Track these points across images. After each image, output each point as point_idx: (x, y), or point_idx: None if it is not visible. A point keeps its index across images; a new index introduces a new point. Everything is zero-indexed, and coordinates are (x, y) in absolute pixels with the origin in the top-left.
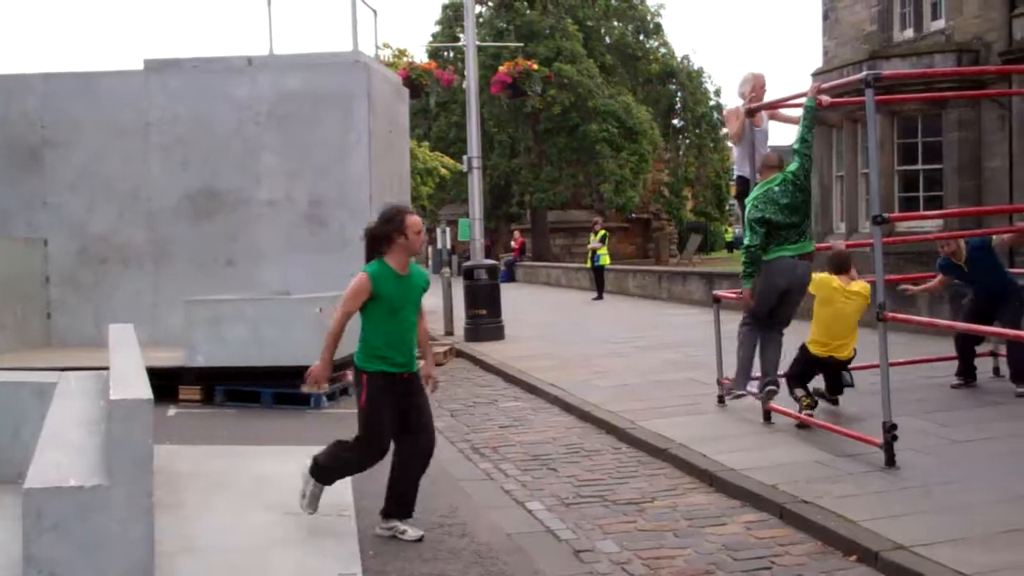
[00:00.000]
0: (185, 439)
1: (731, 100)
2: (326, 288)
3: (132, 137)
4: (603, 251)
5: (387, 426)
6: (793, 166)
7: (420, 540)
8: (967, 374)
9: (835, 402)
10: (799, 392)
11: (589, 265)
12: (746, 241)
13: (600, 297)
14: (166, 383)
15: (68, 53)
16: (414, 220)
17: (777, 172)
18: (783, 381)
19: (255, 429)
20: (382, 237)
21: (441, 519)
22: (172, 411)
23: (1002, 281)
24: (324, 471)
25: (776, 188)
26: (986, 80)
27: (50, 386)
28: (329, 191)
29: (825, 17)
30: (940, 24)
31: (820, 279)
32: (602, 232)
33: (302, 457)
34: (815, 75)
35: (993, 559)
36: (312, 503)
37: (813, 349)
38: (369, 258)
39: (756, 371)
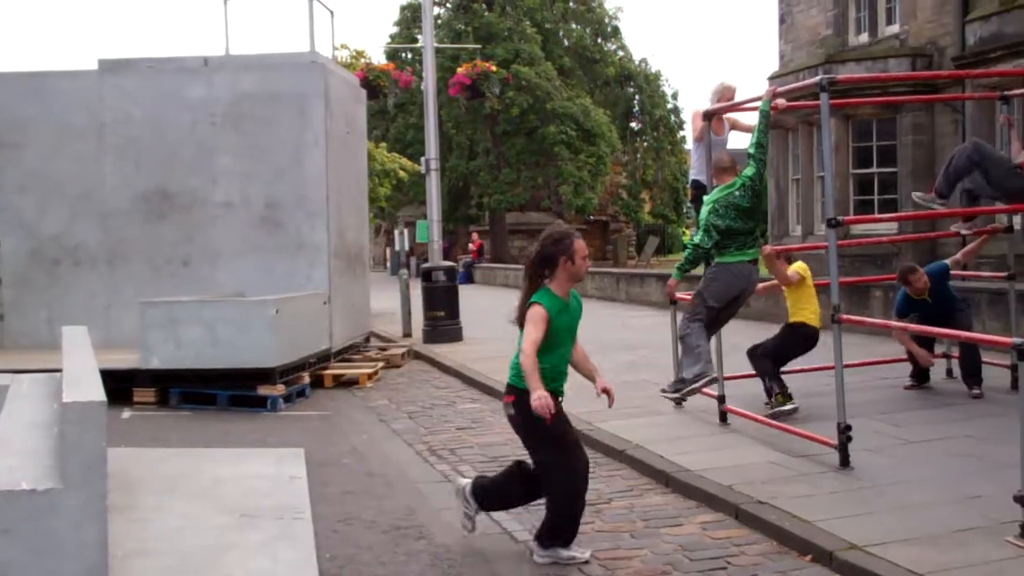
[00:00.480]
0: (140, 442)
1: (689, 103)
2: (282, 290)
3: (85, 138)
4: None
5: (576, 435)
6: (749, 171)
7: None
8: (920, 376)
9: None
10: (776, 387)
11: None
12: (696, 240)
13: None
14: (120, 385)
15: (20, 53)
16: (581, 244)
17: (732, 175)
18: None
19: (211, 431)
20: (549, 258)
21: (398, 521)
22: (127, 414)
23: (953, 300)
24: (557, 531)
25: (737, 193)
26: (940, 84)
27: (2, 389)
28: (285, 193)
29: (781, 21)
30: (895, 29)
31: (802, 264)
32: None
33: (258, 459)
34: (771, 79)
35: (945, 558)
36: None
37: (815, 322)
38: (533, 279)
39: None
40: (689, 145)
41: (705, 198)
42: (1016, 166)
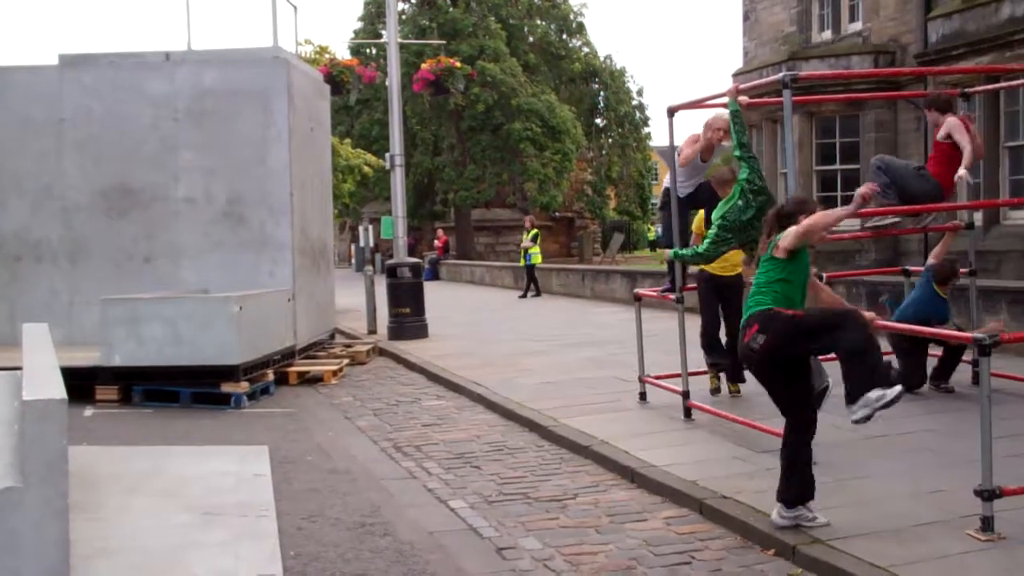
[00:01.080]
0: (102, 440)
1: (654, 100)
2: (245, 286)
3: (46, 133)
4: (535, 250)
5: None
6: (743, 174)
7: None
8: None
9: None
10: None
11: (522, 264)
12: (701, 249)
13: (525, 296)
14: (82, 383)
15: None
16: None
17: (732, 185)
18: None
19: (174, 429)
20: (790, 216)
21: (363, 518)
22: (88, 411)
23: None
24: (798, 486)
25: (740, 203)
26: (902, 81)
27: None
28: (248, 188)
29: (745, 18)
30: (858, 26)
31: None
32: (534, 231)
33: (222, 457)
34: (735, 75)
35: (906, 552)
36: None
37: None
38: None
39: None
40: (653, 143)
41: (713, 213)
42: (919, 167)
